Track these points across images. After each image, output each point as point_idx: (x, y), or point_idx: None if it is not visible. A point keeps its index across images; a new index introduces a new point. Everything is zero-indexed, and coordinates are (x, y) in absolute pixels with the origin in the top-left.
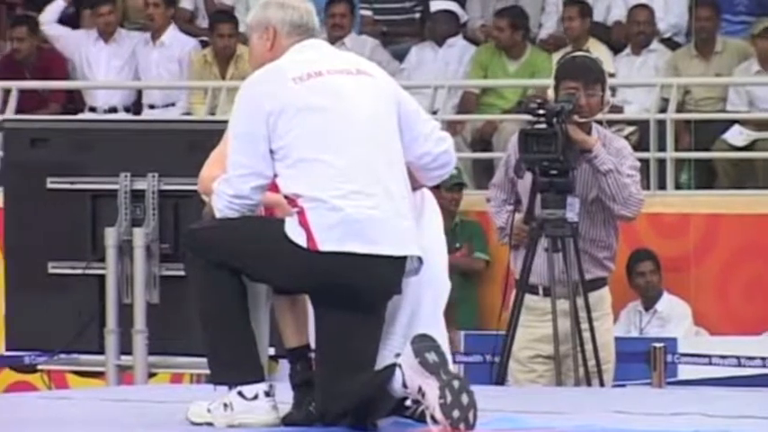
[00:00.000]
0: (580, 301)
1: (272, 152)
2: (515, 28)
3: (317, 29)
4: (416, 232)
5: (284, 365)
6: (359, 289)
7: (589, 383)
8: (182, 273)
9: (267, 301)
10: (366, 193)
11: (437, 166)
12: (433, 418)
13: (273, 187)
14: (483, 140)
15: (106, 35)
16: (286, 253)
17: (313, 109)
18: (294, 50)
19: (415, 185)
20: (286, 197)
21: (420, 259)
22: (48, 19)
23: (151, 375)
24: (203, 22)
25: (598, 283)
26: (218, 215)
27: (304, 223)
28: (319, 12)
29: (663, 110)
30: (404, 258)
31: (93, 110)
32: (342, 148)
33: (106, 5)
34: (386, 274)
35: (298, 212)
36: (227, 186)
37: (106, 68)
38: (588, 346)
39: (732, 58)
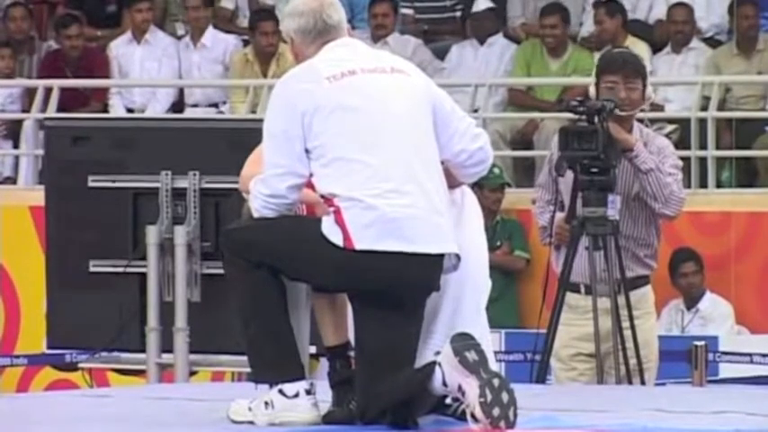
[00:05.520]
0: (621, 300)
1: (307, 151)
2: (564, 24)
3: (336, 26)
4: (453, 229)
5: (325, 363)
6: (396, 287)
7: (630, 382)
8: (222, 271)
9: (308, 299)
10: (401, 191)
11: (473, 164)
12: (473, 416)
13: (311, 185)
14: (523, 140)
15: (139, 35)
16: (323, 252)
17: (347, 108)
18: (326, 49)
19: (453, 183)
20: (322, 196)
21: (458, 256)
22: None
23: (192, 373)
24: (244, 21)
25: (640, 282)
26: (255, 215)
27: (340, 222)
28: (362, 10)
29: (704, 108)
30: (441, 256)
31: (130, 111)
32: (376, 146)
33: (144, 2)
34: (423, 272)
35: (334, 212)
36: (263, 186)
37: (140, 70)
38: (630, 345)
39: None
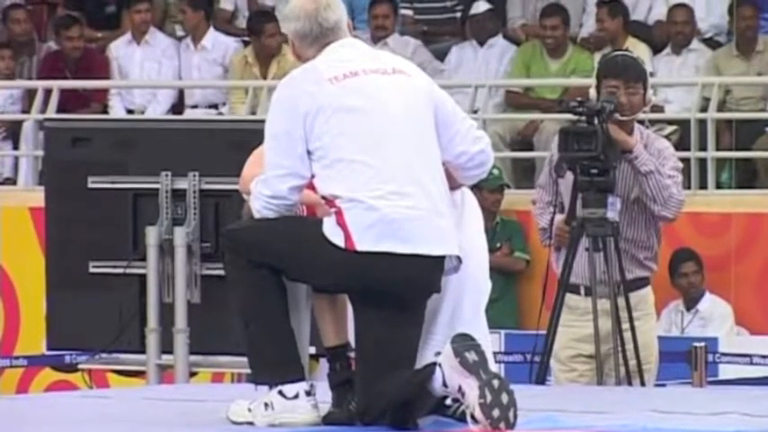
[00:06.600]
0: (621, 301)
1: (308, 153)
2: (565, 25)
3: (333, 28)
4: (455, 231)
5: (325, 364)
6: (397, 288)
7: (630, 383)
8: (222, 272)
9: (308, 300)
10: (403, 192)
11: (474, 166)
12: (473, 417)
13: (312, 186)
14: (523, 141)
15: (138, 36)
16: (324, 253)
17: (349, 109)
18: (328, 50)
19: (454, 185)
20: (323, 197)
21: (459, 258)
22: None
23: (192, 375)
24: (243, 22)
25: (639, 283)
26: (255, 216)
27: (342, 223)
28: (362, 12)
29: (704, 109)
30: (442, 257)
31: (130, 112)
32: (378, 148)
33: (143, 3)
34: (424, 274)
35: (335, 213)
36: (264, 187)
37: (140, 71)
38: (629, 346)
39: None
